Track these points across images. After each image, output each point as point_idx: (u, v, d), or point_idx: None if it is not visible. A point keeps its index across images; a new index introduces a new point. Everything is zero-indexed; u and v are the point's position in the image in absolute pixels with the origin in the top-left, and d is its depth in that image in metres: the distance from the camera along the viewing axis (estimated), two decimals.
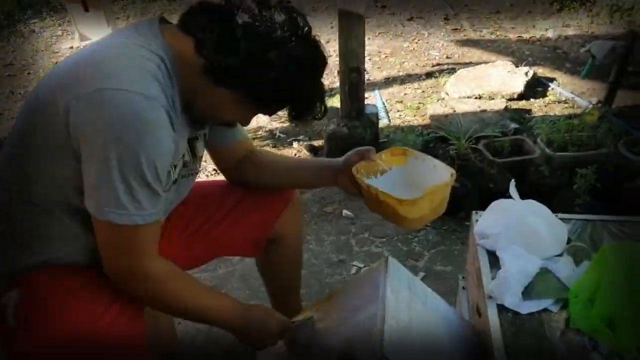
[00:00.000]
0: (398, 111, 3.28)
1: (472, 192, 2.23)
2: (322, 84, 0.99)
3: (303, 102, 0.97)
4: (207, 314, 1.02)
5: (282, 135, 3.07)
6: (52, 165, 0.88)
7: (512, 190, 1.28)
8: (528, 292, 1.09)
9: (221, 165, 1.25)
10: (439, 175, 1.07)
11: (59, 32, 5.29)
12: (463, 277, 1.48)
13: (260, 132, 3.14)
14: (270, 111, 1.00)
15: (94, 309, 0.90)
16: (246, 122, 1.04)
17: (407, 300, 1.05)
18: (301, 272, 1.45)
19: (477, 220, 1.31)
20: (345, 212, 2.20)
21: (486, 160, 2.23)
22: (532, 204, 1.25)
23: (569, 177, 2.11)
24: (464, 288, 1.44)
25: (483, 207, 1.31)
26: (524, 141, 2.38)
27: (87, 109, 0.81)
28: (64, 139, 0.84)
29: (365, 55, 2.46)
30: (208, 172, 2.54)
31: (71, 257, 0.96)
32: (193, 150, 1.07)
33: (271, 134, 3.10)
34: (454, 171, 1.05)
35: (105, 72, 0.82)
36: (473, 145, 2.26)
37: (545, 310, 1.06)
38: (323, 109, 1.00)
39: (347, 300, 1.12)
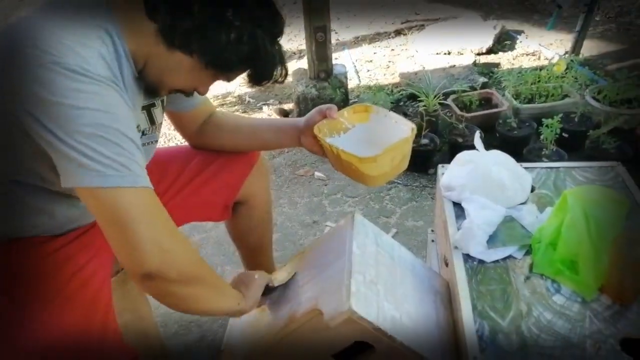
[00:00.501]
0: (368, 71, 3.24)
1: (442, 148, 2.25)
2: (280, 45, 0.96)
3: (263, 64, 0.93)
4: (220, 287, 0.96)
5: (251, 100, 3.02)
6: (7, 144, 0.83)
7: (477, 141, 1.28)
8: (493, 241, 1.11)
9: (183, 131, 1.22)
10: (401, 130, 1.06)
11: None
12: (432, 231, 1.50)
13: (229, 98, 3.09)
14: (229, 76, 0.95)
15: (60, 276, 0.89)
16: (204, 89, 0.99)
17: (374, 255, 1.05)
18: (272, 233, 1.44)
19: (442, 174, 1.32)
20: (317, 174, 2.19)
21: (455, 115, 2.23)
22: (497, 154, 1.25)
23: (536, 128, 2.13)
24: (433, 241, 1.46)
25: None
26: (492, 94, 2.39)
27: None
28: (11, 124, 0.79)
29: (332, 14, 2.41)
30: (167, 137, 2.50)
31: (32, 231, 0.93)
32: (151, 118, 1.03)
33: (240, 99, 3.05)
34: (414, 126, 1.04)
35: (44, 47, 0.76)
36: (442, 101, 2.26)
37: (509, 257, 1.09)
38: (284, 71, 0.97)
39: (316, 258, 1.13)
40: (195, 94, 1.14)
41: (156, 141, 1.09)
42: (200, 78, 0.93)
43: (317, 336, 1.01)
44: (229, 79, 0.96)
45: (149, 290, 0.82)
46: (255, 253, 1.43)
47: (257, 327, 1.10)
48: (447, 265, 1.20)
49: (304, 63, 3.02)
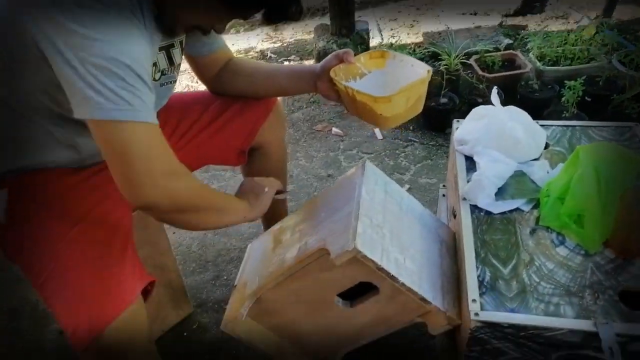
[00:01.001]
0: (391, 29, 3.19)
1: (461, 108, 2.23)
2: None
3: (277, 1, 0.94)
4: (224, 209, 1.02)
5: (272, 56, 3.01)
6: (28, 73, 0.86)
7: (494, 97, 1.28)
8: (501, 194, 1.12)
9: (201, 76, 1.24)
10: (417, 73, 1.06)
11: None
12: (444, 186, 1.52)
13: (251, 53, 3.09)
14: (244, 13, 0.97)
15: (85, 204, 0.94)
16: (221, 27, 1.00)
17: (382, 201, 1.08)
18: (286, 182, 1.48)
19: (457, 128, 1.33)
20: (335, 130, 2.20)
21: (476, 75, 2.20)
22: (513, 110, 1.25)
23: (559, 91, 2.09)
24: (444, 196, 1.48)
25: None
26: (516, 56, 2.34)
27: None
28: (35, 44, 0.82)
29: None
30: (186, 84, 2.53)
31: (54, 162, 0.98)
32: (170, 58, 1.06)
33: (262, 55, 3.05)
34: (430, 68, 1.05)
35: None
36: (464, 61, 2.22)
37: (517, 209, 1.10)
38: (298, 8, 0.97)
39: (327, 202, 1.16)
40: (214, 38, 1.16)
41: (175, 81, 1.12)
42: (217, 15, 0.94)
43: (324, 275, 1.05)
44: (244, 16, 0.96)
45: (151, 216, 0.89)
46: None
47: (267, 265, 1.15)
48: (455, 217, 1.22)
49: (326, 19, 2.98)
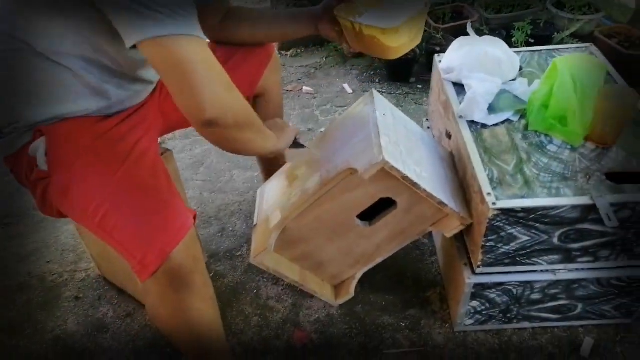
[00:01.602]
0: None
1: (420, 59, 2.37)
2: None
3: None
4: (265, 132, 1.04)
5: None
6: (62, 16, 0.87)
7: (469, 29, 1.42)
8: (492, 109, 1.26)
9: (204, 24, 1.26)
10: (414, 6, 1.16)
11: None
12: (427, 119, 1.65)
13: None
14: None
15: (122, 147, 0.98)
16: None
17: (393, 124, 1.19)
18: None
19: (440, 61, 1.45)
20: (305, 88, 2.28)
21: (432, 26, 2.35)
22: (489, 38, 1.40)
23: (506, 35, 2.28)
24: (429, 128, 1.61)
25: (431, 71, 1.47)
26: (463, 7, 2.51)
27: None
28: None
29: None
30: None
31: (87, 109, 0.99)
32: None
33: None
34: (427, 1, 1.15)
35: None
36: None
37: (507, 121, 1.25)
38: None
39: (339, 134, 1.25)
40: None
41: None
42: None
43: (346, 196, 1.15)
44: None
45: (210, 136, 0.90)
46: None
47: (288, 198, 1.23)
48: (449, 137, 1.35)
49: None
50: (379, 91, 2.21)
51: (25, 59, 0.91)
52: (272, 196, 1.31)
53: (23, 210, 1.77)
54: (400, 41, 1.12)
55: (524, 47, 2.12)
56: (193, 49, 0.81)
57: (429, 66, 1.53)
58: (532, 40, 2.25)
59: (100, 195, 0.93)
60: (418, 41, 1.19)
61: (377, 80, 2.31)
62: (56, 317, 1.43)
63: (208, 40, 0.87)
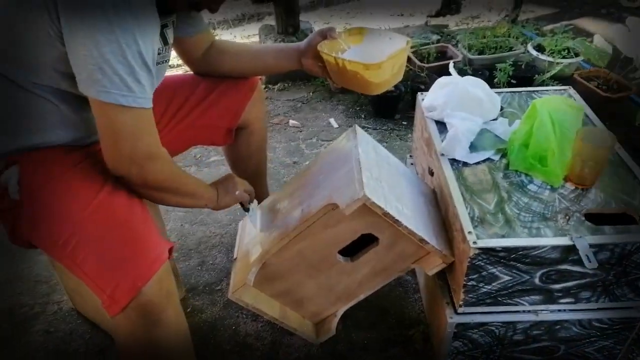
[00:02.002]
0: None
1: (405, 97, 2.41)
2: None
3: None
4: (191, 194, 1.12)
5: None
6: (38, 50, 0.88)
7: (452, 69, 1.45)
8: (473, 147, 1.27)
9: (187, 57, 1.28)
10: (396, 44, 1.19)
11: None
12: (410, 156, 1.66)
13: None
14: None
15: (98, 176, 0.96)
16: (216, 7, 1.07)
17: (375, 160, 1.19)
18: (266, 161, 1.54)
19: (423, 99, 1.47)
20: (291, 122, 2.29)
21: (417, 65, 2.40)
22: (471, 78, 1.42)
23: (488, 76, 2.34)
24: (412, 164, 1.62)
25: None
26: (447, 47, 2.57)
27: None
28: (48, 24, 0.84)
29: None
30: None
31: (62, 139, 0.99)
32: (164, 38, 1.10)
33: None
34: (409, 39, 1.18)
35: None
36: None
37: (488, 159, 1.26)
38: None
39: (321, 168, 1.24)
40: (199, 20, 1.21)
41: (168, 60, 1.16)
42: None
43: (327, 232, 1.13)
44: None
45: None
46: (252, 180, 1.50)
47: (269, 232, 1.21)
48: (431, 174, 1.35)
49: (269, 20, 3.08)
50: (365, 127, 2.24)
51: (0, 89, 0.91)
52: (252, 230, 1.29)
53: None
54: (383, 77, 1.14)
55: (506, 87, 2.18)
56: (129, 119, 0.89)
57: (413, 103, 1.55)
58: (514, 81, 2.30)
59: (71, 227, 0.90)
60: (400, 77, 1.21)
61: (362, 116, 2.33)
62: (25, 354, 1.37)
63: (150, 107, 0.93)
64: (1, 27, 0.90)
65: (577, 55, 2.40)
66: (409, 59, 2.48)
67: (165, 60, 1.15)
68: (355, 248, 1.20)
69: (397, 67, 1.16)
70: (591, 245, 1.01)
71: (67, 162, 0.98)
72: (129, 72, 0.85)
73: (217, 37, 1.32)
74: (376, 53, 1.22)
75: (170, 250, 0.99)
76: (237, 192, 1.22)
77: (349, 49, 1.26)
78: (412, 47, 2.57)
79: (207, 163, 2.05)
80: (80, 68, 0.85)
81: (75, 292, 1.42)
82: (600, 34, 2.21)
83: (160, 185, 1.01)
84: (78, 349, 1.37)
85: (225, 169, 1.85)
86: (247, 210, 1.26)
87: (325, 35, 1.21)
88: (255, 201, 1.28)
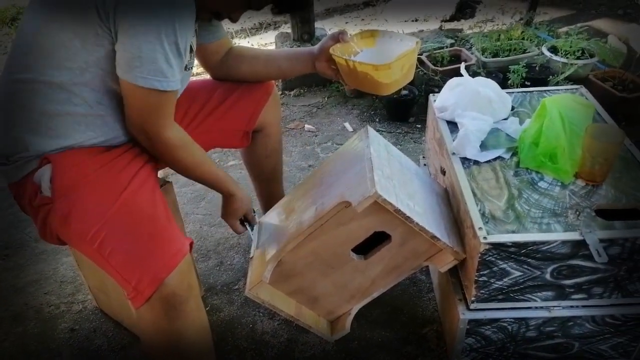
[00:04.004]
0: None
1: (419, 100, 2.43)
2: None
3: None
4: (211, 177, 1.22)
5: None
6: (85, 50, 0.95)
7: (463, 70, 1.47)
8: (484, 146, 1.29)
9: (206, 63, 1.33)
10: (407, 45, 1.22)
11: None
12: (423, 157, 1.68)
13: None
14: (259, 5, 1.11)
15: (124, 176, 1.01)
16: (236, 16, 1.13)
17: (387, 159, 1.22)
18: (282, 163, 1.58)
19: (434, 100, 1.50)
20: (307, 126, 2.33)
21: (430, 69, 2.42)
22: (482, 79, 1.44)
23: (502, 78, 2.35)
24: (425, 164, 1.64)
25: None
26: (461, 51, 2.59)
27: None
28: (97, 22, 0.92)
29: None
30: None
31: (92, 140, 1.05)
32: (190, 46, 1.15)
33: None
34: (419, 40, 1.21)
35: None
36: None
37: (499, 158, 1.28)
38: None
39: (334, 168, 1.28)
40: (219, 27, 1.27)
41: (192, 67, 1.21)
42: (235, 5, 1.08)
43: (340, 229, 1.16)
44: (258, 7, 1.10)
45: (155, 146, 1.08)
46: (268, 182, 1.56)
47: (284, 230, 1.25)
48: (444, 173, 1.38)
49: (285, 27, 3.13)
50: (379, 130, 2.26)
51: (36, 90, 0.97)
52: (268, 229, 1.33)
53: (22, 241, 1.79)
54: (393, 77, 1.17)
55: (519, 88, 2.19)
56: (158, 100, 1.00)
57: (427, 106, 1.58)
58: (528, 83, 2.30)
59: (99, 222, 0.95)
60: (410, 77, 1.24)
61: (377, 120, 2.36)
62: (51, 349, 1.42)
63: (177, 89, 1.02)
64: (50, 33, 0.96)
65: (592, 56, 2.39)
66: (422, 63, 2.51)
67: (191, 67, 1.20)
68: (369, 246, 1.22)
69: (407, 68, 1.19)
70: (601, 240, 1.02)
71: (95, 163, 1.03)
72: (164, 60, 0.94)
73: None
74: (388, 55, 1.25)
75: (191, 245, 1.03)
76: (243, 206, 1.32)
77: (360, 51, 1.30)
78: (426, 51, 2.60)
79: (226, 167, 2.11)
80: (120, 54, 0.94)
81: (100, 291, 1.47)
82: (615, 34, 2.21)
83: (178, 143, 1.10)
84: (101, 345, 1.42)
85: (243, 174, 1.90)
86: (245, 226, 1.37)
87: (337, 38, 1.25)
88: (255, 218, 1.37)
